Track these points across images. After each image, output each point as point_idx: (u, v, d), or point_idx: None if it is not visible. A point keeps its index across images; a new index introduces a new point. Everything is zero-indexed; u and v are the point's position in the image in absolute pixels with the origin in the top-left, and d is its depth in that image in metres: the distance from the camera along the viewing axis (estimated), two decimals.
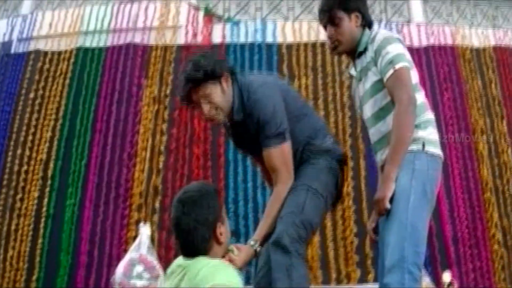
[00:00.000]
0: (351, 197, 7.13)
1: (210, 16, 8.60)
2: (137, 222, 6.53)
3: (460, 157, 7.53)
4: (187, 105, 2.92)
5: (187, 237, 2.36)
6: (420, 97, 2.70)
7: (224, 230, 2.43)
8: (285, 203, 2.70)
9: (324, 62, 8.05)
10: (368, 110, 2.83)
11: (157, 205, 7.04)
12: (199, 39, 8.21)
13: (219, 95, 2.78)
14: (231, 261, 2.50)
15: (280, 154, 2.77)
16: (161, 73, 7.94)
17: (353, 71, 2.97)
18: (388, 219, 2.51)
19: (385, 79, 2.67)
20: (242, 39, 8.15)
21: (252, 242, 2.68)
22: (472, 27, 9.07)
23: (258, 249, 2.66)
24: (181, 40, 8.24)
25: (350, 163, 7.23)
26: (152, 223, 6.75)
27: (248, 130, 2.87)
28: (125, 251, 6.18)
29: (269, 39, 8.22)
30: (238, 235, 6.57)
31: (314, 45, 8.20)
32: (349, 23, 2.83)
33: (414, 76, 2.73)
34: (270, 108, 2.77)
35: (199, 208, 2.36)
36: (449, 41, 8.56)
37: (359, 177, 7.29)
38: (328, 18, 2.86)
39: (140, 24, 8.33)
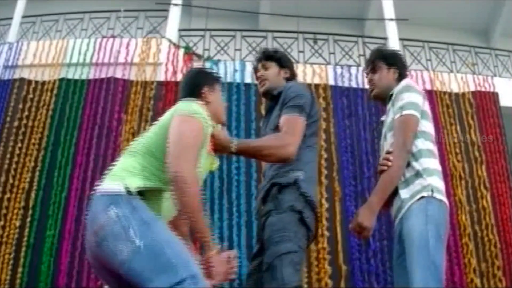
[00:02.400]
0: (325, 239, 7.46)
1: (190, 55, 9.21)
2: None
3: None
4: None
5: (181, 91, 3.25)
6: (426, 144, 3.18)
7: (212, 95, 3.17)
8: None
9: None
10: (385, 144, 3.34)
11: None
12: (179, 77, 8.63)
13: (274, 74, 3.68)
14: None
15: (289, 121, 3.27)
16: (140, 109, 8.42)
17: (383, 118, 3.51)
18: (411, 263, 2.91)
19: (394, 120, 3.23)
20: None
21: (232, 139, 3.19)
22: (451, 73, 9.62)
23: (233, 145, 3.14)
24: (161, 77, 8.81)
25: (325, 205, 7.69)
26: None
27: (273, 113, 3.52)
28: (101, 287, 6.59)
29: (248, 79, 8.64)
30: None
31: None
32: (387, 73, 3.50)
33: (427, 126, 3.23)
34: (299, 94, 3.40)
35: (189, 77, 3.31)
36: (428, 86, 9.01)
37: (334, 219, 7.65)
38: (371, 66, 3.57)
39: (121, 59, 8.93)
